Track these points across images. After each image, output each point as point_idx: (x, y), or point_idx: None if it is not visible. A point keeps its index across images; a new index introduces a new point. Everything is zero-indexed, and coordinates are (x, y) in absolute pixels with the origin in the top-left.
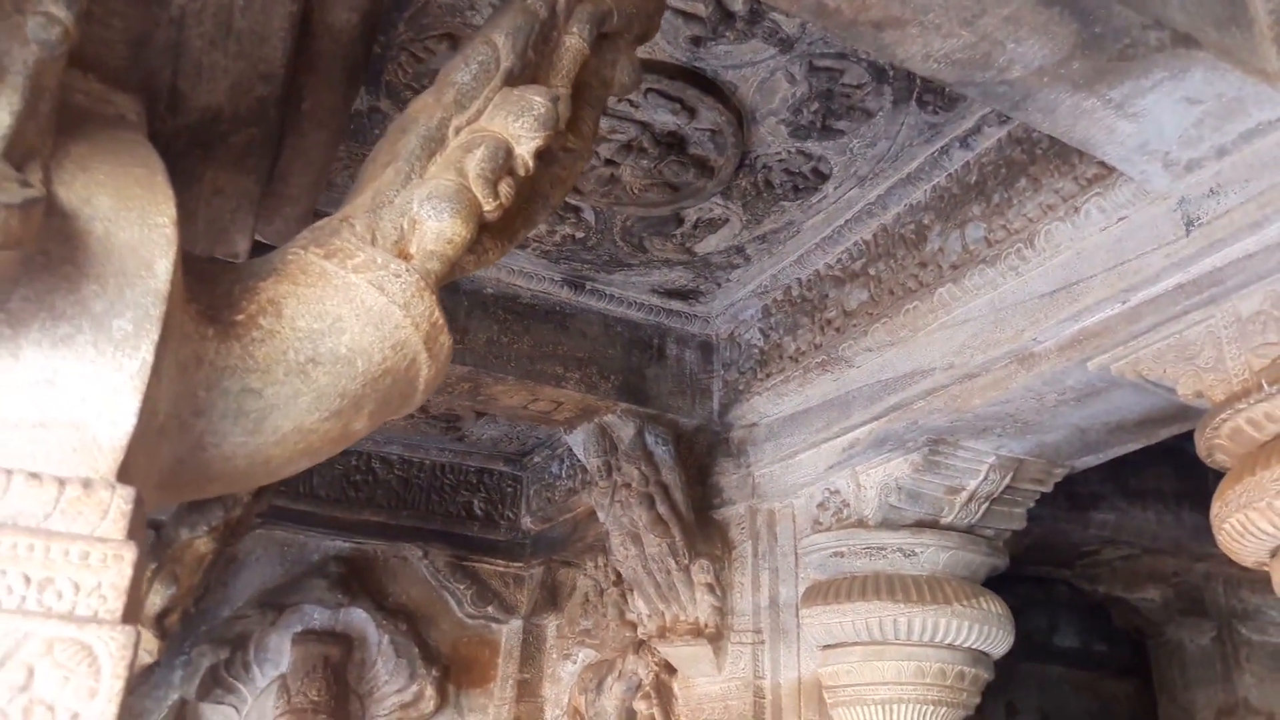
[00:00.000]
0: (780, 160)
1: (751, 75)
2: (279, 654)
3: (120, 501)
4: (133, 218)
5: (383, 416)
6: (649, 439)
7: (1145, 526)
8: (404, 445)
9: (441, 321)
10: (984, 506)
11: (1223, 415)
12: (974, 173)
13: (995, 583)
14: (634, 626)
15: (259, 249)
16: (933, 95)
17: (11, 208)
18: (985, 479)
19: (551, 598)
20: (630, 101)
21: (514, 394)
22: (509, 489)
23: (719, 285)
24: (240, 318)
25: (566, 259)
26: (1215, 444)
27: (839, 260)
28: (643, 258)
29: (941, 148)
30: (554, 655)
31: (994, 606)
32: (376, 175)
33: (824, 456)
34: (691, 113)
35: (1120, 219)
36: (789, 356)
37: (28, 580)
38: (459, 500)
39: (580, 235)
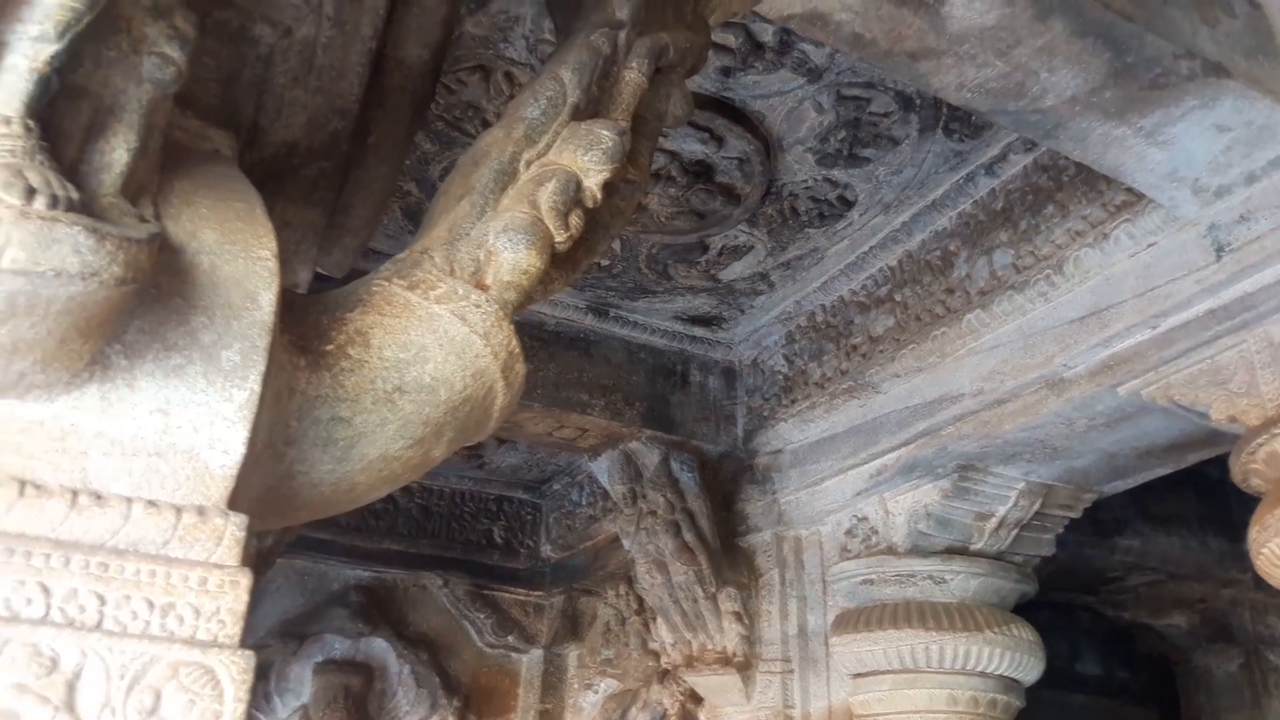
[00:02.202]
0: (806, 188)
1: (780, 104)
2: (300, 684)
3: (234, 528)
4: (236, 251)
5: (460, 443)
6: (674, 466)
7: (1170, 552)
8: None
9: (518, 350)
10: (1013, 533)
11: (1259, 440)
12: (1000, 199)
13: (1017, 609)
14: (656, 656)
15: (318, 280)
16: (959, 123)
17: (141, 243)
18: (1015, 505)
19: (572, 627)
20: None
21: (540, 421)
22: (529, 517)
23: (742, 312)
24: (330, 348)
25: (591, 286)
26: (1251, 469)
27: (864, 286)
28: (667, 285)
29: (967, 175)
30: (575, 685)
31: (1025, 633)
32: (451, 208)
33: (851, 483)
34: (720, 141)
35: (1150, 245)
36: (814, 382)
37: (151, 605)
38: (479, 528)
39: (606, 263)
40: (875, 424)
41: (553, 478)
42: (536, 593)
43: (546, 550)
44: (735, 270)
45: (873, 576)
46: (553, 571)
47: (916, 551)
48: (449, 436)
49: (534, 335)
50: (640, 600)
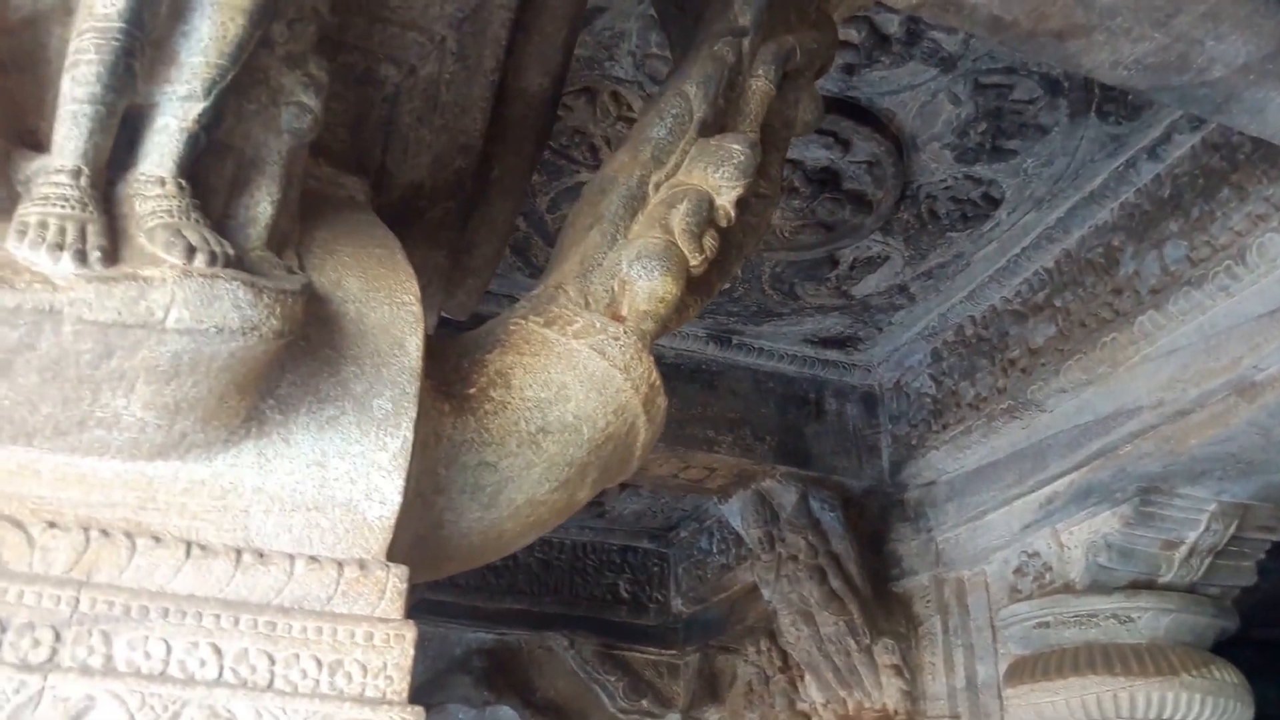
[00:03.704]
0: (946, 188)
1: (910, 100)
2: None
3: (395, 581)
4: (381, 298)
5: (603, 484)
6: (814, 505)
7: None
8: None
9: (659, 383)
10: (1206, 561)
11: None
12: (1167, 186)
13: (1217, 648)
14: (807, 717)
15: (441, 324)
16: (1114, 104)
17: (294, 294)
18: (1207, 529)
19: (710, 688)
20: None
21: (664, 462)
22: (655, 568)
23: (880, 330)
24: (472, 391)
25: (711, 312)
26: None
27: (1018, 293)
28: (794, 305)
29: (1127, 161)
30: None
31: (1228, 675)
32: (580, 239)
33: (1018, 515)
34: (845, 145)
35: None
36: (968, 404)
37: (319, 663)
38: (603, 582)
39: (726, 286)
40: (1041, 446)
41: (680, 524)
42: (669, 651)
43: (677, 604)
44: (870, 284)
45: (1049, 619)
46: (686, 627)
47: (1097, 588)
48: (593, 477)
49: None
50: (785, 656)
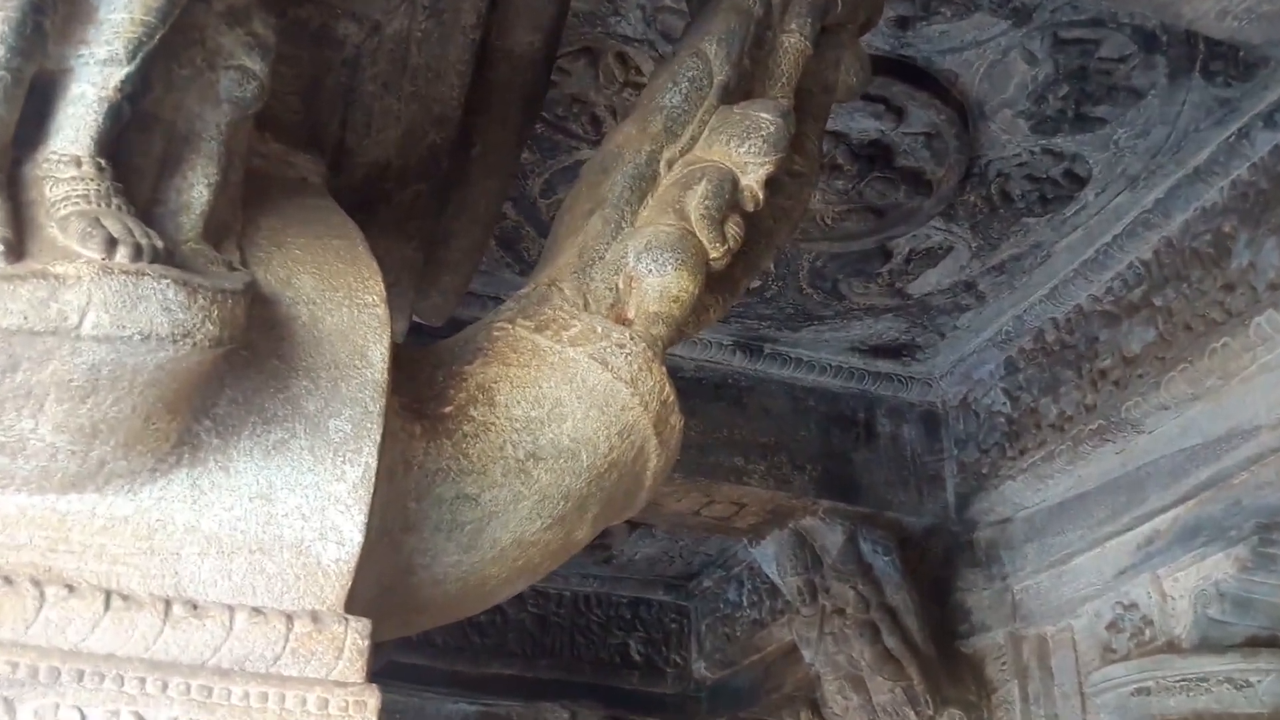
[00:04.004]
0: (1020, 164)
1: (977, 59)
2: None
3: (355, 636)
4: (339, 299)
5: (606, 521)
6: (864, 547)
7: None
8: None
9: (673, 398)
10: None
11: None
12: None
13: None
14: None
15: (413, 331)
16: (1222, 62)
17: (235, 295)
18: None
19: None
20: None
21: (682, 496)
22: (673, 625)
23: (943, 336)
24: (448, 409)
25: (739, 316)
26: None
27: (1109, 290)
28: (838, 307)
29: (1239, 130)
30: None
31: None
32: (579, 227)
33: (1112, 558)
34: (899, 114)
35: None
36: (1049, 425)
37: None
38: (611, 642)
39: (756, 283)
40: (1140, 476)
41: (702, 572)
42: None
43: (700, 668)
44: (930, 281)
45: (1149, 683)
46: (710, 696)
47: (1208, 646)
48: (594, 512)
49: None
50: None
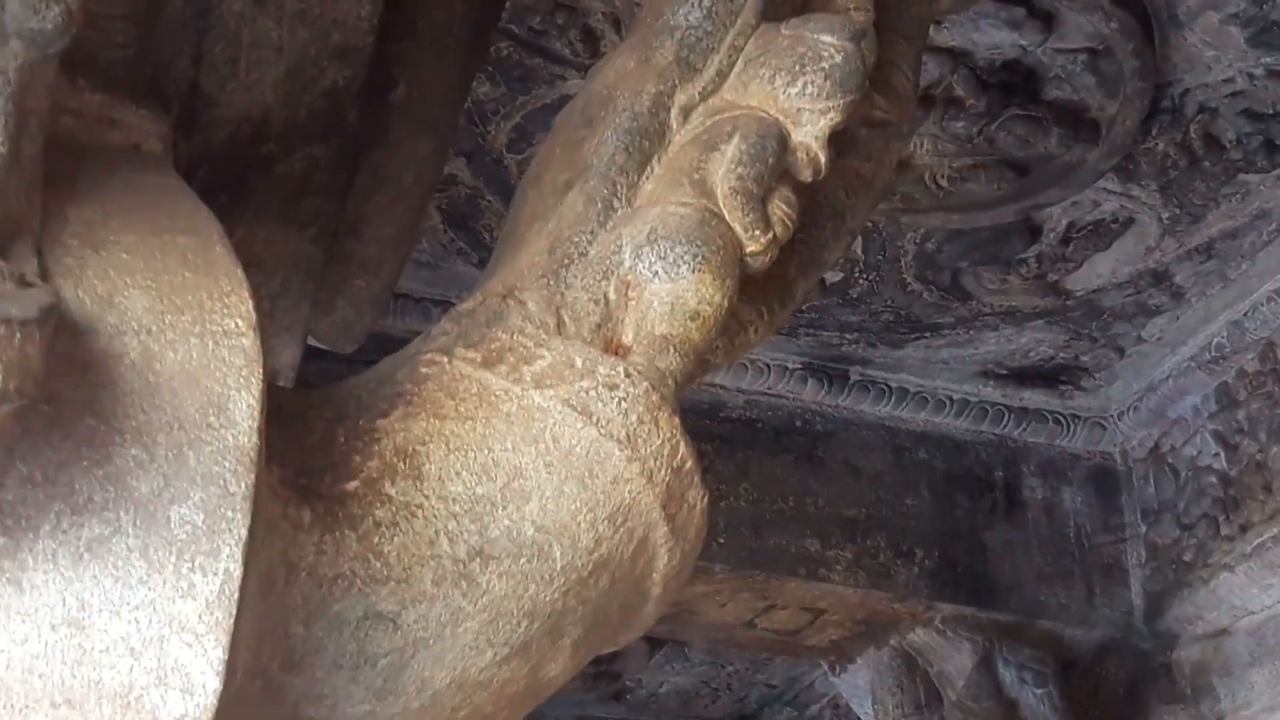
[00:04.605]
0: (1234, 94)
1: None
2: None
3: None
4: (185, 325)
5: (592, 649)
6: (1005, 673)
7: None
8: None
9: (690, 463)
10: None
11: None
12: None
13: None
14: None
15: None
16: None
17: (26, 326)
18: None
19: None
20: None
21: (728, 599)
22: None
23: (1122, 353)
24: (353, 486)
25: (809, 326)
26: None
27: None
28: (962, 311)
29: None
30: None
31: None
32: (550, 208)
33: None
34: (1047, 21)
35: None
36: None
37: None
38: None
39: (835, 280)
40: None
41: (762, 711)
42: None
43: None
44: (1100, 271)
45: None
46: None
47: None
48: (574, 636)
49: (707, 432)
50: None
